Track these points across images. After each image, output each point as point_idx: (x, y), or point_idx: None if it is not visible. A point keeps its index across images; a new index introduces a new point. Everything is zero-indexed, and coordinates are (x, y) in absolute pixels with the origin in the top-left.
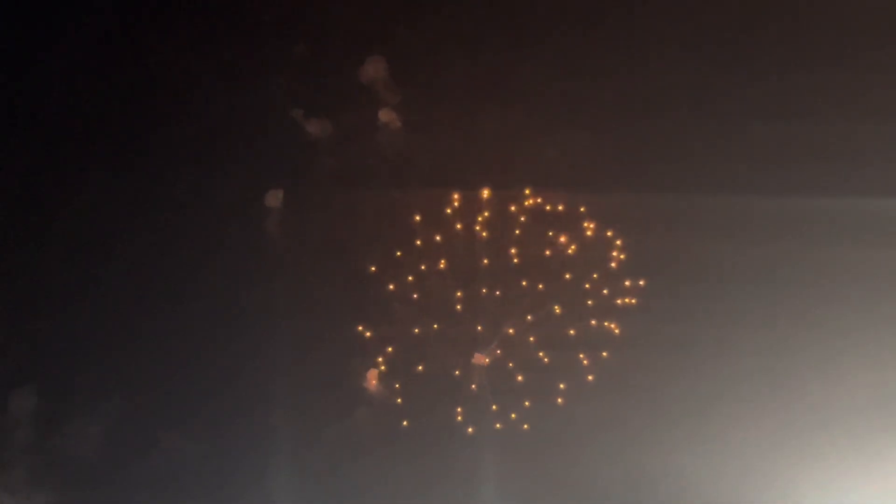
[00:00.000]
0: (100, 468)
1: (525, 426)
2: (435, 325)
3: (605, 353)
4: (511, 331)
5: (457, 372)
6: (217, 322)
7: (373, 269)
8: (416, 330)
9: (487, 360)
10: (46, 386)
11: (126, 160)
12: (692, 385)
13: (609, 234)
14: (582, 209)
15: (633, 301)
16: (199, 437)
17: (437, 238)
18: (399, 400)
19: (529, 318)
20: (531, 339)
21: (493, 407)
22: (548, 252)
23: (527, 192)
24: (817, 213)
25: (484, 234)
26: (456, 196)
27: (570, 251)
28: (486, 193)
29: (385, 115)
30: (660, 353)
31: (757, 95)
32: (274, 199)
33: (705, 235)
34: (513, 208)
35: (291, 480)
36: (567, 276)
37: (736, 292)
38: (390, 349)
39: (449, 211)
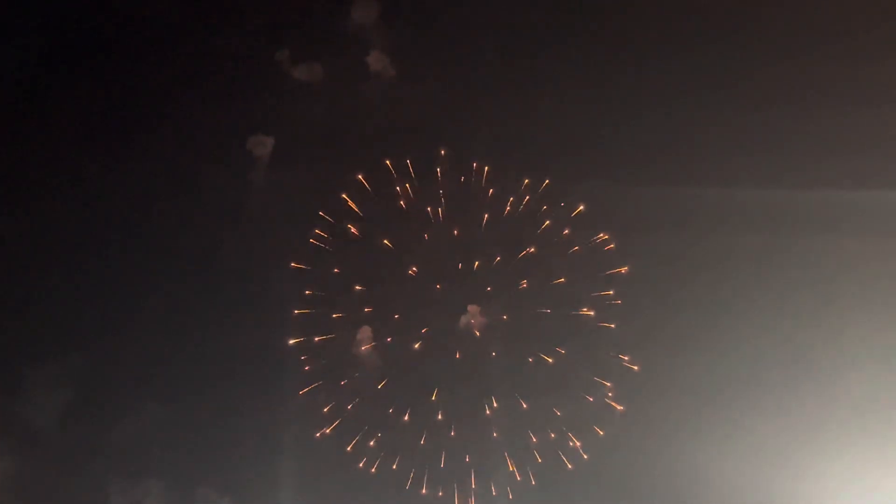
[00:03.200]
0: (62, 435)
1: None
2: (431, 281)
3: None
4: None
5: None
6: (196, 277)
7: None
8: (408, 284)
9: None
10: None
11: (100, 104)
12: (708, 375)
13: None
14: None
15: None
16: (173, 402)
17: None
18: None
19: (525, 284)
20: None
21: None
22: (546, 224)
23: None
24: (840, 204)
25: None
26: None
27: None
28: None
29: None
30: (673, 342)
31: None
32: (260, 147)
33: (712, 228)
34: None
35: (271, 448)
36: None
37: (755, 282)
38: (381, 305)
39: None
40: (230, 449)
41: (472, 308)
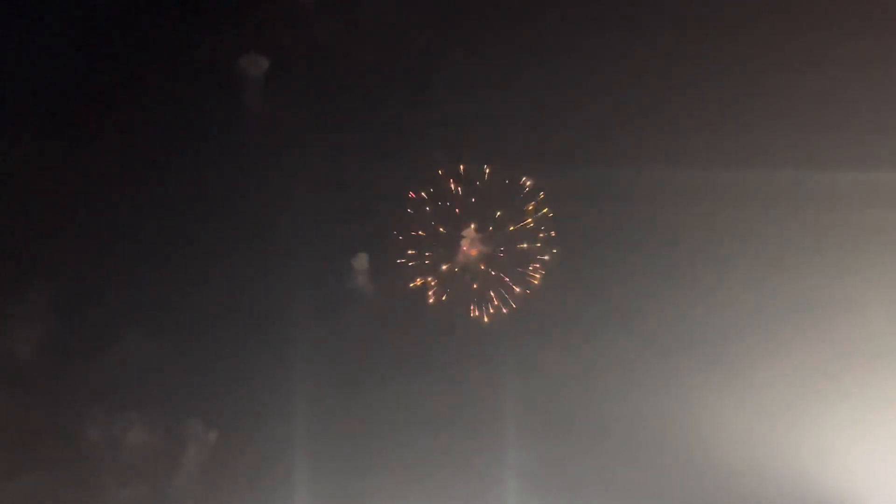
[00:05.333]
0: (40, 368)
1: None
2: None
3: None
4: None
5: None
6: (187, 204)
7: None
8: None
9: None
10: None
11: (84, 20)
12: (706, 321)
13: None
14: None
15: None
16: (165, 336)
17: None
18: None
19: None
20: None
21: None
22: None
23: None
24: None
25: None
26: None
27: None
28: None
29: None
30: (672, 285)
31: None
32: (254, 67)
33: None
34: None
35: (261, 382)
36: None
37: (755, 228)
38: (378, 229)
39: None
40: (218, 382)
41: (469, 232)
